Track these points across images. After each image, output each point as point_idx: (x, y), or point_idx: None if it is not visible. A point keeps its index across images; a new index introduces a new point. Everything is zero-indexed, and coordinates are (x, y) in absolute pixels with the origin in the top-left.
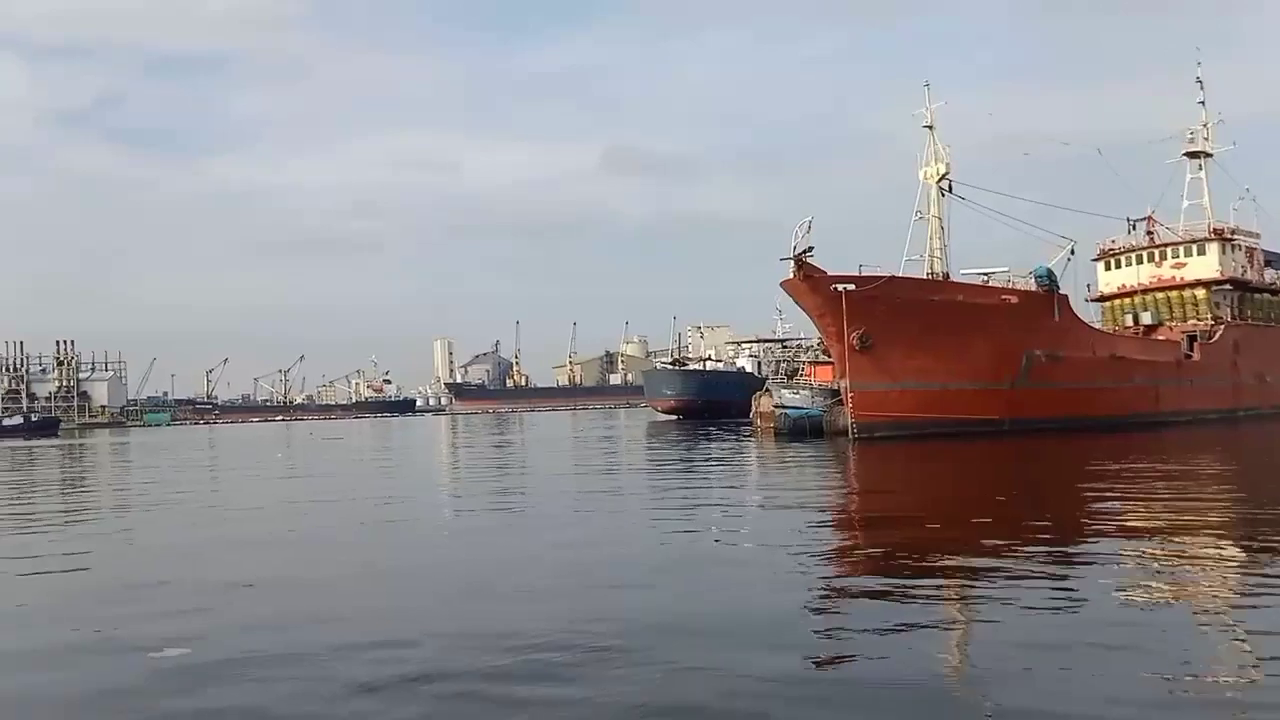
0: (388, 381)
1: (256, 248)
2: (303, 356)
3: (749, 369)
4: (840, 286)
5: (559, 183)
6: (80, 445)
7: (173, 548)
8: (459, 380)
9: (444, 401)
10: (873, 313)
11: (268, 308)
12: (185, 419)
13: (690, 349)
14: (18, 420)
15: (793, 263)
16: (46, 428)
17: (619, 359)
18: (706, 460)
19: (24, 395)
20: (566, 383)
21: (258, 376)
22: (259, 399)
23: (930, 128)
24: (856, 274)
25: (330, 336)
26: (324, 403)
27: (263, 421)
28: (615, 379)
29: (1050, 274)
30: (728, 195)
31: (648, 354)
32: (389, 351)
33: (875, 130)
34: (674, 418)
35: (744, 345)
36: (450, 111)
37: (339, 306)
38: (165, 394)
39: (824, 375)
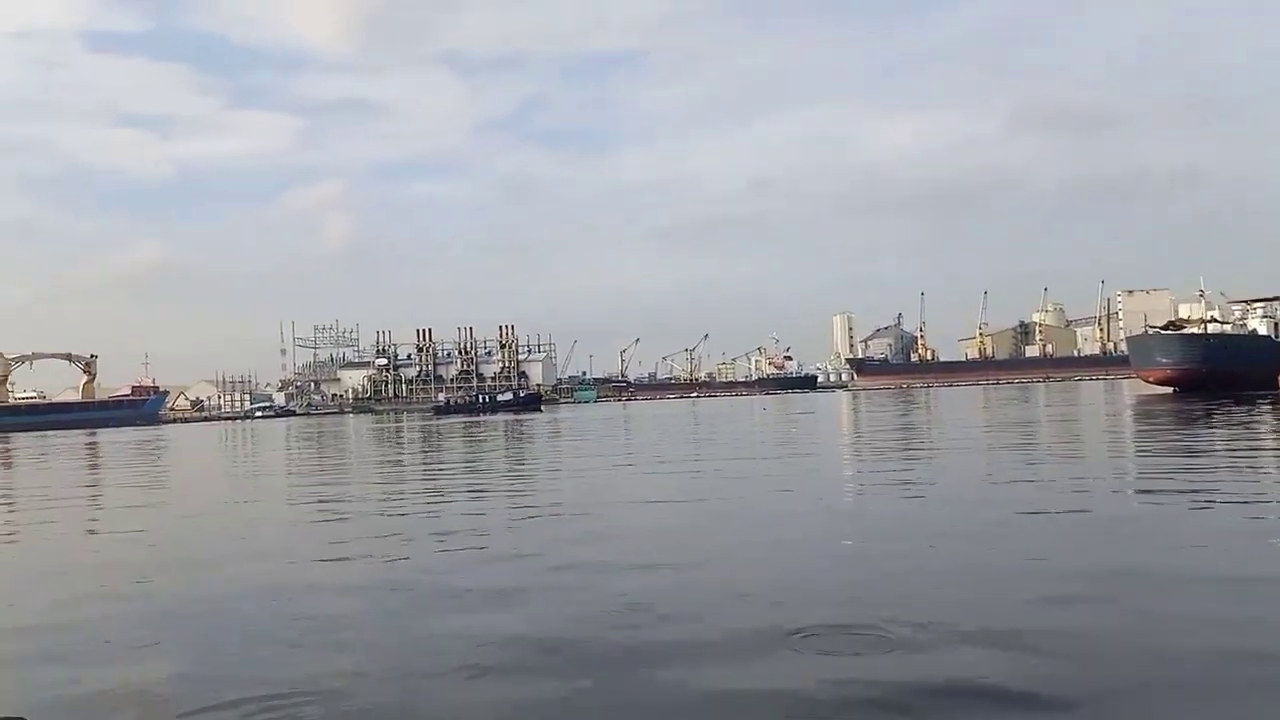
0: (788, 358)
1: (659, 233)
2: (707, 335)
3: (1263, 331)
4: None
5: (961, 149)
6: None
7: None
8: (860, 355)
9: (844, 377)
10: None
11: (672, 289)
12: (606, 396)
13: (1122, 314)
14: (508, 396)
15: None
16: (531, 403)
17: (1036, 329)
18: None
19: (474, 375)
20: (977, 355)
21: (666, 355)
22: (660, 376)
23: None
24: None
25: (730, 316)
26: (724, 379)
27: (679, 398)
28: (1032, 350)
29: None
30: (1156, 149)
31: (1066, 323)
32: (787, 329)
33: None
34: (1167, 390)
35: (1255, 305)
36: (845, 86)
37: (739, 286)
38: (584, 373)
39: None
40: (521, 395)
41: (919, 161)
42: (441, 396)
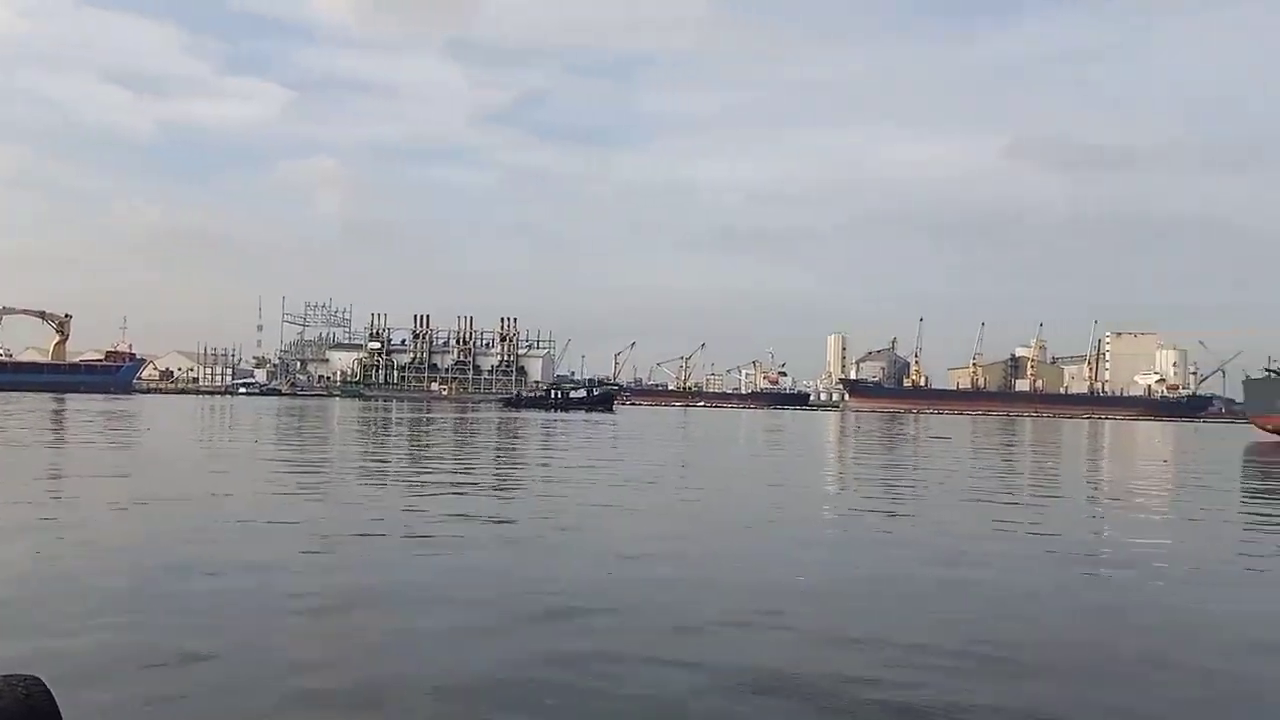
0: (783, 373)
1: (665, 238)
2: (704, 344)
3: None
4: None
5: (972, 177)
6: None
7: None
8: (853, 376)
9: (836, 397)
10: None
11: (674, 295)
12: None
13: (1109, 355)
14: (582, 394)
15: None
16: (604, 402)
17: (1027, 364)
18: None
19: (470, 366)
20: (969, 385)
21: (660, 362)
22: (650, 383)
23: None
24: None
25: (729, 327)
26: (713, 390)
27: (665, 405)
28: (1022, 384)
29: None
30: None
31: (1052, 360)
32: (784, 344)
33: None
34: None
35: None
36: (864, 104)
37: (738, 298)
38: (572, 373)
39: None
40: (595, 393)
41: (934, 186)
42: (519, 391)
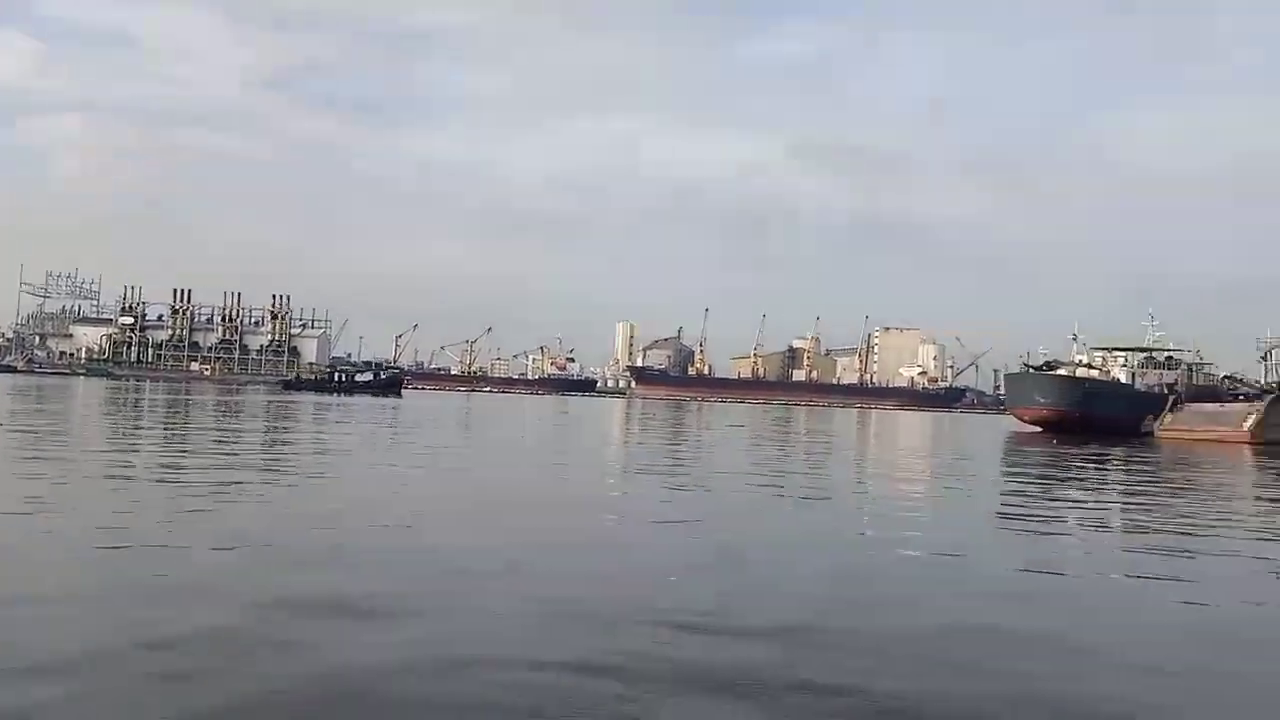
0: (571, 359)
1: (450, 220)
2: (490, 328)
3: (1124, 380)
4: None
5: (753, 174)
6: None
7: None
8: (640, 364)
9: (623, 384)
10: None
11: (458, 279)
12: None
13: (878, 349)
14: (368, 377)
15: None
16: (391, 386)
17: (804, 355)
18: None
19: (237, 346)
20: (750, 375)
21: (445, 345)
22: (433, 367)
23: None
24: None
25: (516, 312)
26: (499, 375)
27: (449, 390)
28: (799, 375)
29: None
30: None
31: (826, 352)
32: (572, 330)
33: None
34: (1038, 430)
35: (1118, 354)
36: (652, 96)
37: (527, 283)
38: (350, 355)
39: None
40: (382, 377)
41: (721, 183)
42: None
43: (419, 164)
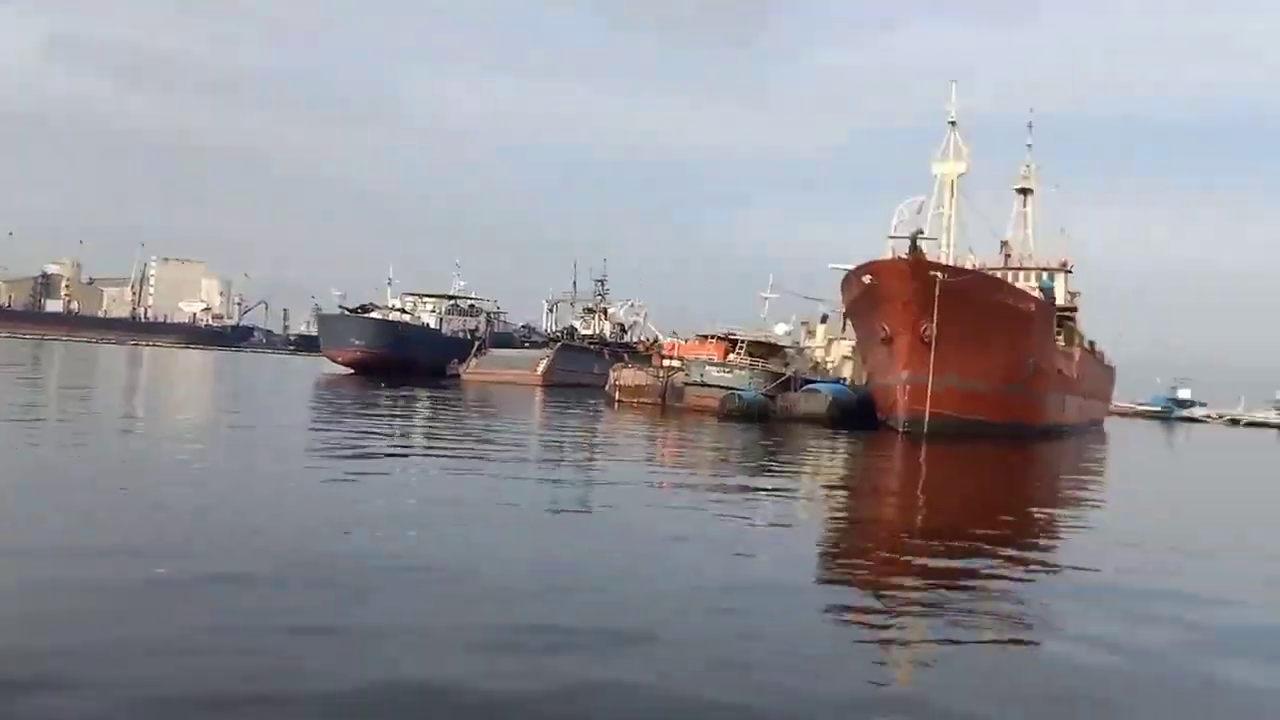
0: None
1: None
2: None
3: (432, 324)
4: (937, 274)
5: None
6: None
7: None
8: None
9: None
10: (949, 305)
11: None
12: None
13: (154, 281)
14: None
15: (908, 244)
16: None
17: (61, 283)
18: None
19: None
20: None
21: None
22: None
23: (954, 123)
24: (948, 264)
25: None
26: None
27: None
28: (54, 305)
29: (1052, 286)
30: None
31: (90, 281)
32: None
33: None
34: (351, 372)
35: (427, 300)
36: None
37: None
38: None
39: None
40: None
41: None
42: None
43: None
